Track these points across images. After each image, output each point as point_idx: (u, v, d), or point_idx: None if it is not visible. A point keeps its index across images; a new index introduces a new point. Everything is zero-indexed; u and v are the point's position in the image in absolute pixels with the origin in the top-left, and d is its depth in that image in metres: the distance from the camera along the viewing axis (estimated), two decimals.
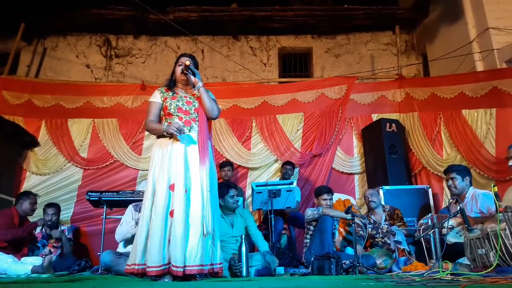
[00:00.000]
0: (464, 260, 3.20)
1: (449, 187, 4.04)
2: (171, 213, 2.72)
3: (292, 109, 6.65)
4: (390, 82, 6.90)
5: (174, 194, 2.76)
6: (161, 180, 2.78)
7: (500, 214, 2.59)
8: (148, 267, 2.62)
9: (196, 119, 3.01)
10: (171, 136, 2.88)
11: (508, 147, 3.71)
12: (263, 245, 3.99)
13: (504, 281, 1.97)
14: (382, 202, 5.04)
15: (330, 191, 4.63)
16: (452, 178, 3.98)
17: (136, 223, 3.72)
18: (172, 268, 2.63)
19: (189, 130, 2.96)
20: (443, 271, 2.56)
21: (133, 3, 7.46)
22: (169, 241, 2.68)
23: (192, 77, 3.02)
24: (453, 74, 6.71)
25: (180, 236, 2.66)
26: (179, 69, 3.06)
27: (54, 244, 4.82)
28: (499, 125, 5.85)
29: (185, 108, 3.01)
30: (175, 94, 3.06)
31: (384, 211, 4.75)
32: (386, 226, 4.58)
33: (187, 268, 2.64)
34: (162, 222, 2.69)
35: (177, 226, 2.68)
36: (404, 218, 4.80)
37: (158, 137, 2.99)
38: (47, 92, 6.66)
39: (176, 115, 2.97)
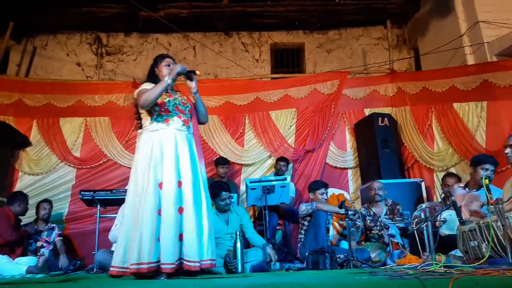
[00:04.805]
0: (457, 252, 3.24)
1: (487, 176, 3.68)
2: (180, 210, 2.71)
3: (285, 105, 6.66)
4: (382, 77, 6.93)
5: (183, 191, 2.75)
6: (167, 177, 2.73)
7: (491, 206, 2.62)
8: (162, 264, 2.58)
9: (190, 120, 3.02)
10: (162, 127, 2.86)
11: (509, 135, 3.71)
12: (260, 240, 4.01)
13: (496, 273, 1.99)
14: None
15: (326, 185, 4.66)
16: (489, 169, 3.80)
17: None
18: (186, 263, 2.63)
19: (187, 129, 2.97)
20: (436, 264, 2.58)
21: (123, 0, 7.40)
22: (180, 237, 2.68)
23: (192, 83, 3.00)
24: (444, 68, 6.76)
25: (194, 231, 2.68)
26: (165, 70, 3.00)
27: (47, 239, 4.84)
28: (489, 118, 5.91)
29: (181, 108, 2.99)
30: (168, 92, 3.00)
31: (386, 205, 4.78)
32: (385, 220, 4.60)
33: (202, 262, 2.68)
34: (173, 218, 2.66)
35: (189, 221, 2.69)
36: None
37: (153, 130, 2.89)
38: (38, 91, 6.59)
39: (175, 113, 2.94)
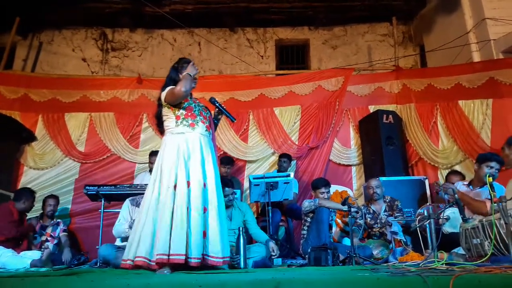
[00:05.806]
0: (460, 250, 3.23)
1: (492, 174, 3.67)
2: (204, 210, 2.85)
3: (289, 102, 6.65)
4: (387, 74, 6.89)
5: (207, 192, 2.91)
6: (195, 178, 2.88)
7: (495, 204, 2.61)
8: (189, 258, 2.68)
9: (210, 127, 3.18)
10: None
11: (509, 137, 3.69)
12: (263, 236, 4.06)
13: (498, 270, 1.98)
14: None
15: (327, 184, 4.63)
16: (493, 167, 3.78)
17: (133, 221, 3.75)
18: (211, 259, 2.77)
19: (209, 135, 3.14)
20: (438, 261, 2.58)
21: None
22: (203, 234, 2.79)
23: (220, 116, 3.36)
24: (450, 65, 6.71)
25: (218, 230, 2.83)
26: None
27: (51, 234, 4.88)
28: (495, 116, 5.87)
29: (204, 114, 3.16)
30: (192, 98, 3.19)
31: (384, 202, 4.77)
32: (385, 217, 4.60)
33: (225, 259, 2.84)
34: (201, 216, 2.80)
35: (213, 220, 2.84)
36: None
37: (179, 133, 3.01)
38: (43, 86, 6.64)
39: (200, 118, 3.09)
